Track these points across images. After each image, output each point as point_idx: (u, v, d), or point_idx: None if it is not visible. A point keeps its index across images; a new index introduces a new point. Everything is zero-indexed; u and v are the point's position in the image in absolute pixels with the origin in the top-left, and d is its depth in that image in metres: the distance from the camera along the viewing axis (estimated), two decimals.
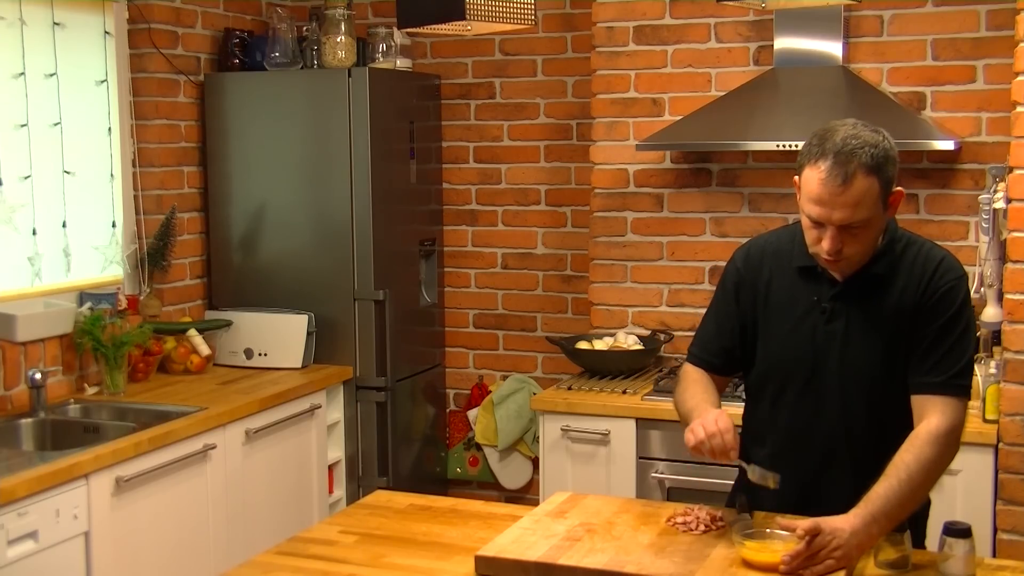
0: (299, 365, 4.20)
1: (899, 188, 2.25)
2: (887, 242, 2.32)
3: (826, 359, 2.31)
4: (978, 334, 3.51)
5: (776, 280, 2.40)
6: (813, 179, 2.20)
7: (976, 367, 3.42)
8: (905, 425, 2.25)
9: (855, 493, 2.17)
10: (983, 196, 3.42)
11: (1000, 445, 3.27)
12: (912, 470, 2.16)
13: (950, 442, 2.22)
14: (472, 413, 4.73)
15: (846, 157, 2.16)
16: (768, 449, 2.45)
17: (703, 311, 4.09)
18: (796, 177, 2.30)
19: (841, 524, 2.09)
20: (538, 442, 3.86)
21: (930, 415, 2.23)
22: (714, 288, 4.12)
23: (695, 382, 2.49)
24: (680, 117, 3.98)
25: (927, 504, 2.42)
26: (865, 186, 2.16)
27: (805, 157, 2.25)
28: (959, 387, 2.26)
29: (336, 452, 4.25)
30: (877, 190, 2.18)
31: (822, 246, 2.23)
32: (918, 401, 2.26)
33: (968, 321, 2.30)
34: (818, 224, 2.22)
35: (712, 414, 2.29)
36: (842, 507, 2.14)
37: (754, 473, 2.30)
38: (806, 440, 2.38)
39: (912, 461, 2.17)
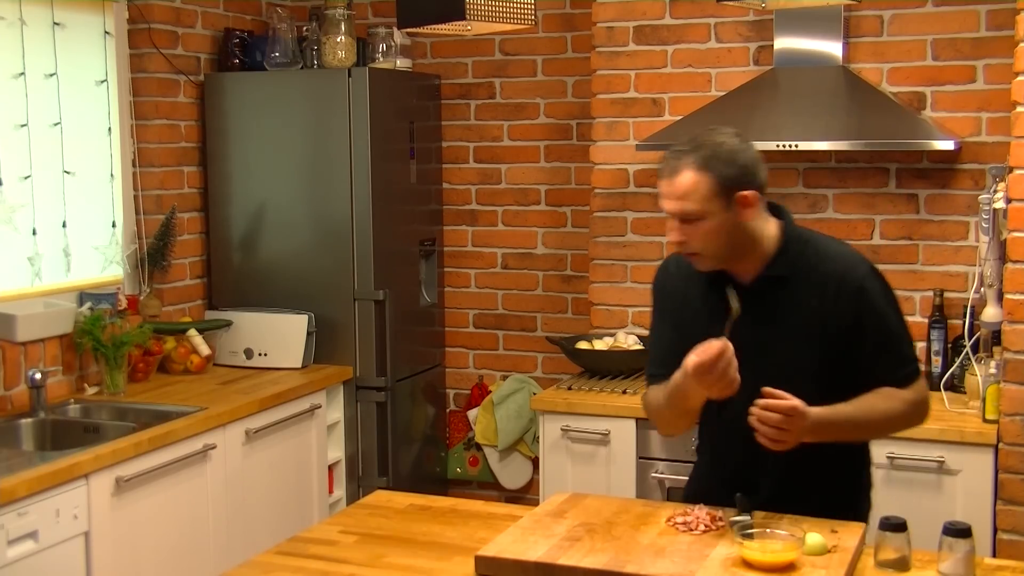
0: (299, 365, 4.20)
1: (750, 192, 2.31)
2: (782, 243, 2.40)
3: (746, 360, 2.29)
4: (977, 334, 3.53)
5: (692, 289, 2.47)
6: (663, 185, 2.36)
7: (976, 367, 3.45)
8: None
9: (788, 480, 2.37)
10: (983, 196, 3.42)
11: (1000, 445, 3.27)
12: (876, 411, 2.36)
13: (919, 412, 2.42)
14: (472, 413, 4.73)
15: (681, 154, 2.32)
16: (709, 442, 2.62)
17: None
18: None
19: (807, 410, 2.25)
20: (538, 442, 3.86)
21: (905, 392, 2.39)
22: None
23: (661, 390, 2.49)
24: (680, 117, 3.98)
25: (870, 483, 2.58)
26: (692, 180, 2.29)
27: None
28: (916, 371, 2.41)
29: (336, 452, 4.25)
30: (707, 185, 2.28)
31: (669, 238, 2.38)
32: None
33: (892, 307, 2.40)
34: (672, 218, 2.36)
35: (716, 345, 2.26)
36: (777, 491, 2.37)
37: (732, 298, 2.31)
38: (736, 436, 2.39)
39: (880, 404, 2.36)
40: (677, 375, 2.34)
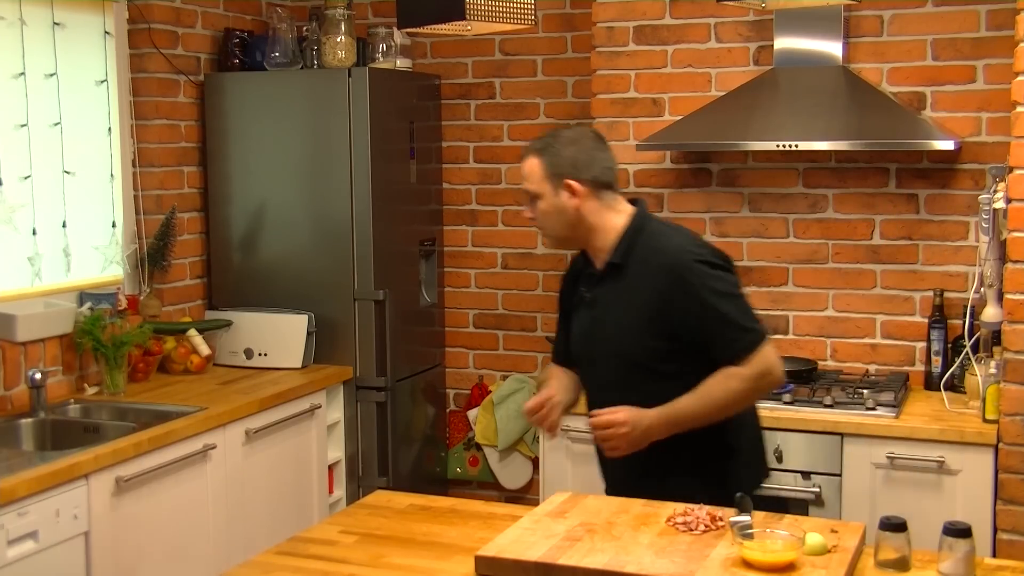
0: (299, 365, 4.20)
1: (576, 182, 2.62)
2: (623, 234, 2.66)
3: (594, 342, 2.71)
4: (977, 334, 3.53)
5: (581, 280, 2.78)
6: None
7: (976, 367, 3.45)
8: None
9: (647, 455, 2.58)
10: (983, 196, 3.42)
11: (1000, 445, 3.27)
12: (715, 396, 2.56)
13: (760, 383, 2.59)
14: (472, 413, 4.73)
15: (534, 142, 2.72)
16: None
17: None
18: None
19: (641, 416, 2.54)
20: (538, 442, 3.86)
21: (741, 365, 2.57)
22: None
23: (552, 373, 2.88)
24: (680, 117, 3.98)
25: (732, 450, 2.72)
26: (531, 163, 2.67)
27: None
28: (751, 344, 2.57)
29: (336, 452, 4.25)
30: (540, 169, 2.65)
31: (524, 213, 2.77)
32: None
33: (719, 286, 2.60)
34: None
35: (551, 388, 2.75)
36: (637, 465, 2.62)
37: None
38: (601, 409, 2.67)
39: (717, 388, 2.56)
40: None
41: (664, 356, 2.61)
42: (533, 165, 2.66)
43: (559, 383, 2.82)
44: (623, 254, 2.64)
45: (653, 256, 2.62)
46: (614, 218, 2.67)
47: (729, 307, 2.58)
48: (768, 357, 2.58)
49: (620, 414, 2.54)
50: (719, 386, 2.57)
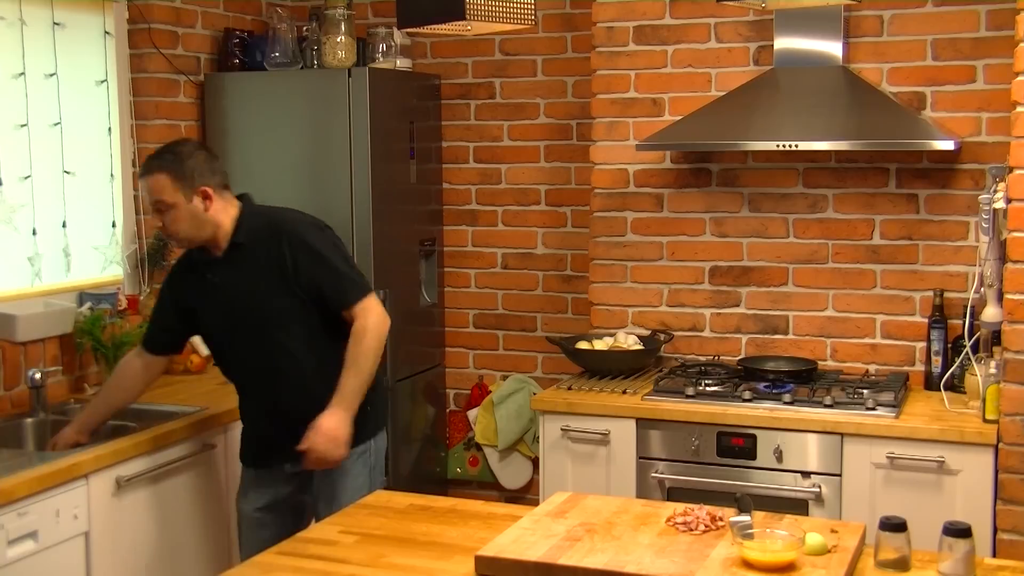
0: None
1: (208, 188, 3.03)
2: (243, 219, 3.08)
3: (233, 317, 3.08)
4: (977, 334, 3.53)
5: (198, 272, 3.13)
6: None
7: (976, 367, 3.45)
8: (324, 346, 3.05)
9: (317, 405, 2.97)
10: (983, 196, 3.42)
11: (1000, 445, 3.27)
12: (359, 360, 3.01)
13: (375, 327, 3.02)
14: (472, 413, 4.73)
15: (149, 160, 3.08)
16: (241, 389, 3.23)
17: (703, 311, 4.14)
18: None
19: (322, 422, 2.94)
20: (538, 442, 3.86)
21: (357, 319, 3.01)
22: (715, 288, 4.15)
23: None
24: (680, 117, 3.98)
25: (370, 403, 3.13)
26: (160, 179, 3.01)
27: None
28: (360, 294, 3.03)
29: None
30: (171, 183, 3.01)
31: (154, 223, 3.17)
32: (347, 316, 3.03)
33: (327, 242, 3.08)
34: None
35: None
36: (312, 418, 2.95)
37: None
38: (254, 381, 3.16)
39: (358, 352, 3.00)
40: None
41: (293, 314, 3.04)
42: (162, 180, 3.00)
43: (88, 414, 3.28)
44: (244, 234, 3.06)
45: (268, 228, 3.06)
46: (232, 211, 3.08)
47: (339, 261, 3.06)
48: (376, 305, 3.04)
49: (326, 427, 2.94)
50: (358, 349, 3.00)
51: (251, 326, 3.07)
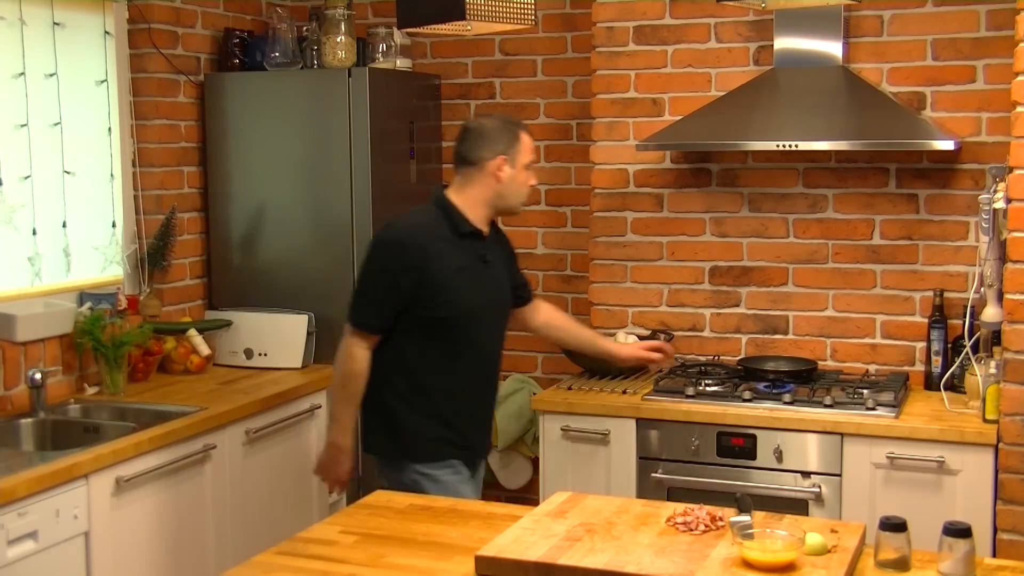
0: (299, 365, 4.20)
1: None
2: None
3: (492, 297, 3.12)
4: (977, 334, 3.53)
5: (456, 244, 3.04)
6: (529, 136, 3.17)
7: (976, 367, 3.45)
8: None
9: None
10: (983, 196, 3.42)
11: (1000, 445, 3.27)
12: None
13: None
14: None
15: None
16: (442, 385, 3.08)
17: (703, 311, 4.14)
18: (502, 156, 3.07)
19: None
20: (538, 442, 3.85)
21: None
22: (715, 288, 4.14)
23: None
24: (680, 117, 3.98)
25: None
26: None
27: (513, 133, 3.11)
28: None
29: None
30: None
31: (533, 182, 3.22)
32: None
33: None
34: (529, 168, 3.18)
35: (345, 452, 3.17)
36: (490, 418, 3.26)
37: None
38: (464, 372, 3.09)
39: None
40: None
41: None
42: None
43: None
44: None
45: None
46: None
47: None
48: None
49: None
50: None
51: (503, 310, 3.21)
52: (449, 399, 3.08)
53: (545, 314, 3.44)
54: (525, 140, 3.13)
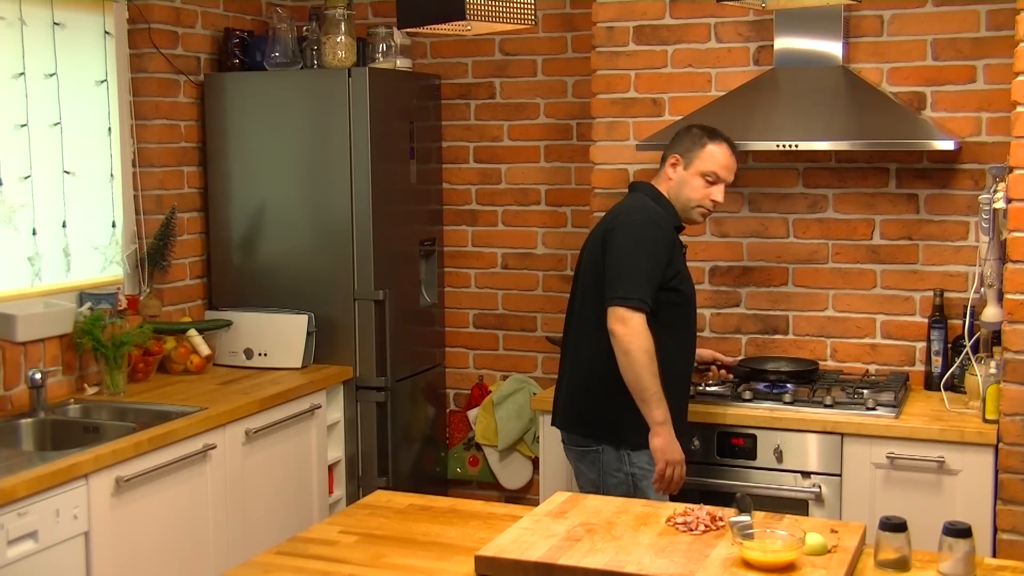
0: (299, 365, 4.20)
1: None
2: None
3: (693, 288, 3.32)
4: (977, 334, 3.53)
5: (669, 235, 3.25)
6: (722, 152, 3.27)
7: (976, 367, 3.45)
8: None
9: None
10: (983, 196, 3.42)
11: (1000, 445, 3.27)
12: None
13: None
14: (472, 413, 4.73)
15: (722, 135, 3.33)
16: (676, 368, 3.24)
17: (703, 311, 4.12)
18: (677, 155, 3.28)
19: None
20: (538, 442, 3.86)
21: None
22: (715, 288, 4.14)
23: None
24: (680, 117, 3.98)
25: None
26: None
27: (698, 139, 3.28)
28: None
29: (336, 452, 4.25)
30: None
31: (715, 198, 3.28)
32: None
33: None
34: (714, 183, 3.27)
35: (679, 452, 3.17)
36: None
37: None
38: (690, 356, 3.37)
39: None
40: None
41: None
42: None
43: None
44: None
45: None
46: None
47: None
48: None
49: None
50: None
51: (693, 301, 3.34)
52: (678, 384, 3.26)
53: None
54: (711, 150, 3.25)
